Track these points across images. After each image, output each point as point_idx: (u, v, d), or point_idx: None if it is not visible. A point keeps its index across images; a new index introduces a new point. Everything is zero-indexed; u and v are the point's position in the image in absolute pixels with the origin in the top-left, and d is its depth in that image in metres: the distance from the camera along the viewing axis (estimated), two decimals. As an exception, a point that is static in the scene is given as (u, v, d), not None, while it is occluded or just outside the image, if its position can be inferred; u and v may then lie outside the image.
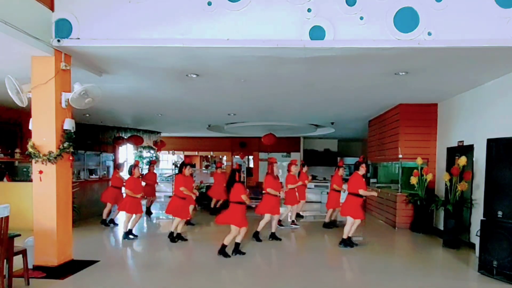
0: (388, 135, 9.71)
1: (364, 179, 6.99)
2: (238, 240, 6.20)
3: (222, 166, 11.82)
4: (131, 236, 7.49)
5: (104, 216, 8.93)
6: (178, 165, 8.83)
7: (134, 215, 7.53)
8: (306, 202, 10.36)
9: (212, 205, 10.93)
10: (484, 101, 6.65)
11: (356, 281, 5.26)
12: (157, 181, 11.71)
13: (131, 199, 7.49)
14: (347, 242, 6.89)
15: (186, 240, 7.35)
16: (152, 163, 11.53)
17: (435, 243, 7.43)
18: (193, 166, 7.51)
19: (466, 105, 7.35)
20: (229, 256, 6.07)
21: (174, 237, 7.19)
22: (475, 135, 6.82)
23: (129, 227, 7.53)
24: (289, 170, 8.45)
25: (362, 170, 6.93)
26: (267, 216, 7.21)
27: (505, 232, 5.05)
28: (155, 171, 11.39)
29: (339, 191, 8.63)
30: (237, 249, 6.23)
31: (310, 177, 10.27)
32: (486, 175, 5.49)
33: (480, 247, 5.44)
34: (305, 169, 9.87)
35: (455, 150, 7.65)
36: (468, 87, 6.97)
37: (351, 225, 6.84)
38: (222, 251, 6.10)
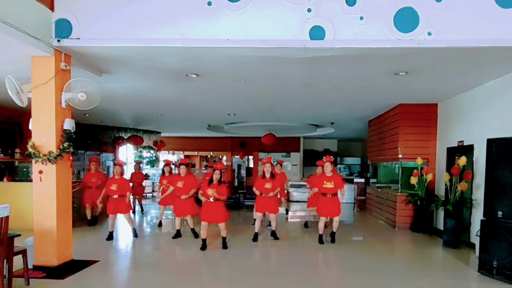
0: (388, 135, 9.71)
1: (320, 178, 7.63)
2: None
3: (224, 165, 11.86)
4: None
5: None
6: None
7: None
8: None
9: None
10: (484, 101, 6.65)
11: (356, 281, 5.25)
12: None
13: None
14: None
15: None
16: (137, 163, 11.71)
17: (435, 243, 7.44)
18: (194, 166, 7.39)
19: (466, 105, 7.35)
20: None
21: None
22: (475, 135, 6.82)
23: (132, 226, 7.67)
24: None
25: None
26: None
27: (505, 232, 5.05)
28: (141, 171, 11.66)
29: None
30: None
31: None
32: (486, 175, 5.49)
33: (480, 247, 5.44)
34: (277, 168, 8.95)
35: (455, 150, 7.65)
36: (468, 87, 6.97)
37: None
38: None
